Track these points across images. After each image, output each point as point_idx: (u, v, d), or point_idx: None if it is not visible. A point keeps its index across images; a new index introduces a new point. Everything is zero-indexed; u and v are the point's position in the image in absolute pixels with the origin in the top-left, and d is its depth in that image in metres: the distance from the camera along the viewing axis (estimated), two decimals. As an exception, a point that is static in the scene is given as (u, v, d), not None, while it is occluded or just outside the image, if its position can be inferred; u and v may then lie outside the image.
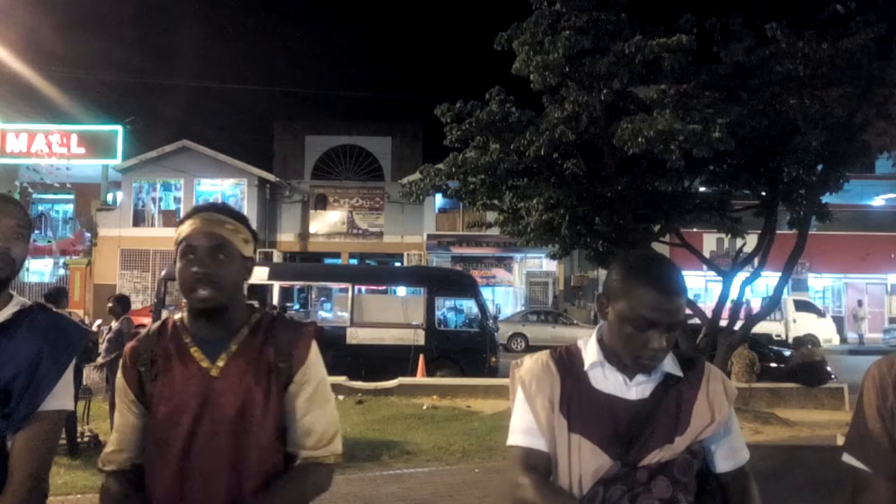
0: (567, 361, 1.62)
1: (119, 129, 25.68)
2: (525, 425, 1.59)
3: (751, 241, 11.43)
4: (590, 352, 1.61)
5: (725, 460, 1.59)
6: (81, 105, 25.88)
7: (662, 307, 1.48)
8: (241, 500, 1.58)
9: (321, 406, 1.69)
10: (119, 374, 1.68)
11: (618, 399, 1.56)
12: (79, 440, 7.05)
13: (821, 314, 22.87)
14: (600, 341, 1.62)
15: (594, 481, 1.50)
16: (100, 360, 7.55)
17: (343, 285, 14.41)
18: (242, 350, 1.65)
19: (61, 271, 25.67)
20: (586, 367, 1.59)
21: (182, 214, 1.77)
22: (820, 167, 10.27)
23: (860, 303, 24.92)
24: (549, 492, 1.51)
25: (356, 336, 12.64)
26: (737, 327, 10.56)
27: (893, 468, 1.39)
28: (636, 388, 1.56)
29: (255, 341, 1.66)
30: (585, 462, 1.52)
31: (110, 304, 7.73)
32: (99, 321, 8.04)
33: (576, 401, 1.56)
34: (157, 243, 25.28)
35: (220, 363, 1.62)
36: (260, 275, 14.52)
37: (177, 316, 1.72)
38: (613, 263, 1.63)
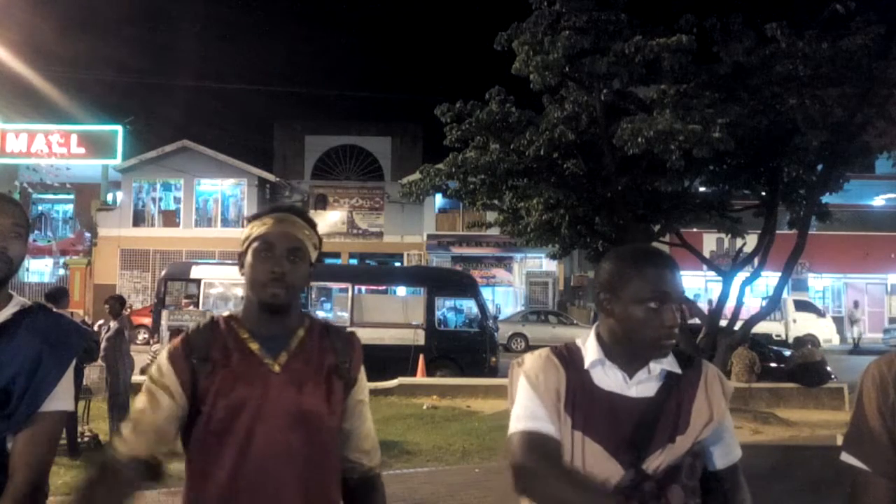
0: (568, 358, 1.61)
1: (119, 129, 25.66)
2: (532, 413, 1.55)
3: (751, 241, 11.44)
4: (590, 350, 1.60)
5: (722, 458, 1.62)
6: (81, 105, 25.86)
7: (672, 280, 1.54)
8: (313, 496, 1.62)
9: (370, 414, 1.83)
10: (163, 365, 1.64)
11: (619, 396, 1.55)
12: (79, 440, 7.06)
13: (821, 314, 22.85)
14: (599, 339, 1.61)
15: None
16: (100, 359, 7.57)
17: (343, 285, 14.41)
18: (302, 349, 1.68)
19: (61, 271, 25.66)
20: (587, 365, 1.58)
21: (249, 215, 1.83)
22: (820, 167, 10.28)
23: (856, 304, 24.48)
24: (584, 485, 1.46)
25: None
26: (737, 327, 10.56)
27: (893, 467, 1.39)
28: (636, 387, 1.56)
29: (312, 342, 1.71)
30: (592, 465, 1.50)
31: (108, 305, 7.78)
32: (101, 321, 8.08)
33: (579, 398, 1.55)
34: (157, 243, 25.28)
35: (282, 360, 1.65)
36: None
37: (224, 313, 1.74)
38: (606, 261, 1.63)
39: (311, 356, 1.68)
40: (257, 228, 1.68)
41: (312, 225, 1.75)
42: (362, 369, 1.77)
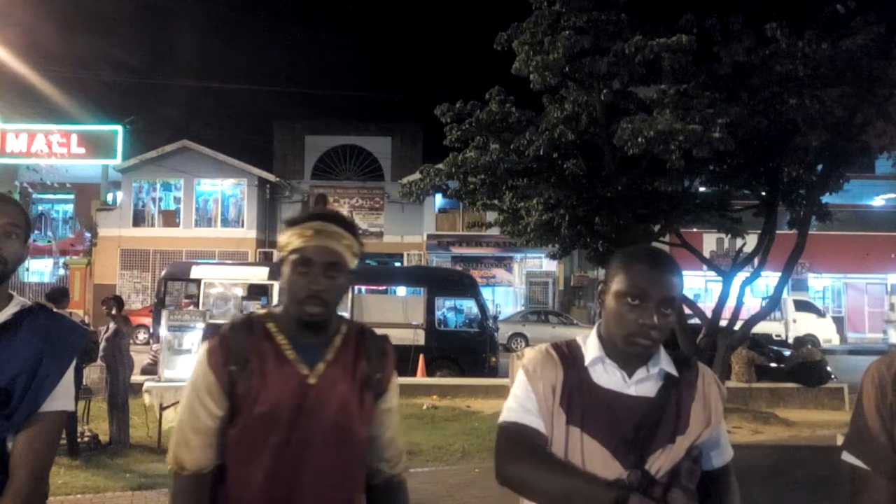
0: (569, 355, 1.62)
1: (119, 129, 25.68)
2: (523, 405, 1.56)
3: (751, 241, 11.43)
4: (590, 347, 1.61)
5: (718, 458, 1.66)
6: (81, 105, 25.89)
7: (654, 280, 1.53)
8: None
9: (397, 420, 1.80)
10: (204, 369, 1.63)
11: (618, 395, 1.55)
12: (79, 440, 7.06)
13: (821, 314, 22.84)
14: (600, 337, 1.62)
15: None
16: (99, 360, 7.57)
17: (343, 285, 14.40)
18: (337, 359, 1.68)
19: (61, 271, 25.66)
20: (587, 362, 1.59)
21: (298, 216, 1.72)
22: (820, 167, 10.26)
23: (892, 306, 22.89)
24: (570, 472, 1.47)
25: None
26: (737, 327, 10.55)
27: (893, 466, 1.39)
28: (635, 386, 1.56)
29: (348, 351, 1.70)
30: (591, 463, 1.50)
31: (105, 306, 7.78)
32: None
33: (576, 394, 1.56)
34: (157, 243, 25.29)
35: (318, 371, 1.64)
36: (260, 275, 14.51)
37: (261, 312, 1.74)
38: (612, 257, 1.65)
39: (346, 366, 1.67)
40: (296, 239, 1.65)
41: (353, 231, 1.71)
42: (394, 377, 1.76)
